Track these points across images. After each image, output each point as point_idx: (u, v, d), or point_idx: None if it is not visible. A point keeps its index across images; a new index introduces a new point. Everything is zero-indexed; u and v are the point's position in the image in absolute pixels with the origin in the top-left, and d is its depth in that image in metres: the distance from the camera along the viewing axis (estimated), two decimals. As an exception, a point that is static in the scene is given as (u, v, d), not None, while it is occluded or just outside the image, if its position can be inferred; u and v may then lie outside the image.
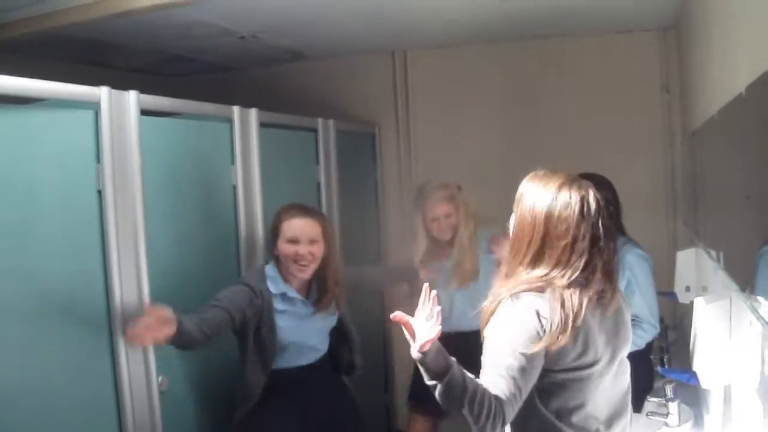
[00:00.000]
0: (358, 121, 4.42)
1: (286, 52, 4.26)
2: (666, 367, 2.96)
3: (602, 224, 1.77)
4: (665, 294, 3.16)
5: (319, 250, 2.70)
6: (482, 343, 1.77)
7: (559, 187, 1.78)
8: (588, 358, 1.73)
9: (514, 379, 1.66)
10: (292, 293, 2.72)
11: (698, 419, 2.52)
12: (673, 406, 2.45)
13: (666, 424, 2.45)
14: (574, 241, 1.74)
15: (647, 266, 2.82)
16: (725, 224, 2.05)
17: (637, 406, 2.50)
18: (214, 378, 2.86)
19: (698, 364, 1.92)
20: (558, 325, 1.67)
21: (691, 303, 2.02)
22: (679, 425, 2.45)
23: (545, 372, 1.73)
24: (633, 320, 2.74)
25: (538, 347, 1.67)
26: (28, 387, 2.07)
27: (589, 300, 1.74)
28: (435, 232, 3.32)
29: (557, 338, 1.67)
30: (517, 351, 1.67)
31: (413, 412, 3.55)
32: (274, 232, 2.72)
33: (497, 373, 1.67)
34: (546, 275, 1.75)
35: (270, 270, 2.74)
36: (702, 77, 2.72)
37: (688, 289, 3.13)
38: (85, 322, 2.29)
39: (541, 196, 1.79)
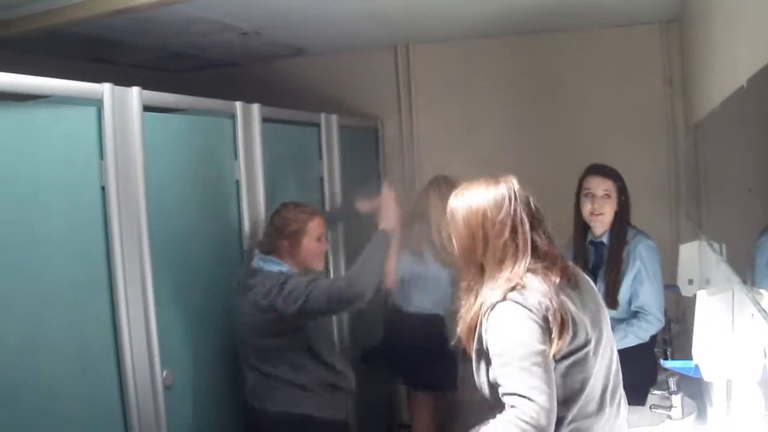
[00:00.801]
0: (361, 115, 4.42)
1: (288, 48, 4.26)
2: (669, 359, 2.96)
3: (532, 209, 1.85)
4: (668, 287, 3.16)
5: None
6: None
7: (484, 189, 1.85)
8: (580, 339, 1.76)
9: (541, 370, 1.66)
10: None
11: (701, 412, 2.52)
12: (676, 399, 2.45)
13: (669, 417, 2.45)
14: (515, 230, 1.80)
15: (657, 257, 2.83)
16: (728, 217, 2.06)
17: (641, 399, 2.51)
18: (219, 371, 2.87)
19: (701, 357, 1.92)
20: (556, 323, 1.71)
21: (694, 296, 2.01)
22: (683, 418, 2.45)
23: None
24: (638, 311, 2.75)
25: (548, 345, 1.70)
26: (33, 382, 2.08)
27: (559, 284, 1.79)
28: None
29: (561, 333, 1.71)
30: (531, 348, 1.68)
31: (413, 392, 3.66)
32: (296, 231, 2.74)
33: (525, 374, 1.66)
34: (507, 274, 1.79)
35: (282, 267, 2.72)
36: (704, 70, 2.71)
37: (691, 281, 3.13)
38: (89, 317, 2.29)
39: (470, 203, 1.85)
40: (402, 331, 3.62)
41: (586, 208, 2.83)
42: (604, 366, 1.83)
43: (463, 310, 1.85)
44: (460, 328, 1.85)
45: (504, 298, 1.75)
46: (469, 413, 1.82)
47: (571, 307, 1.76)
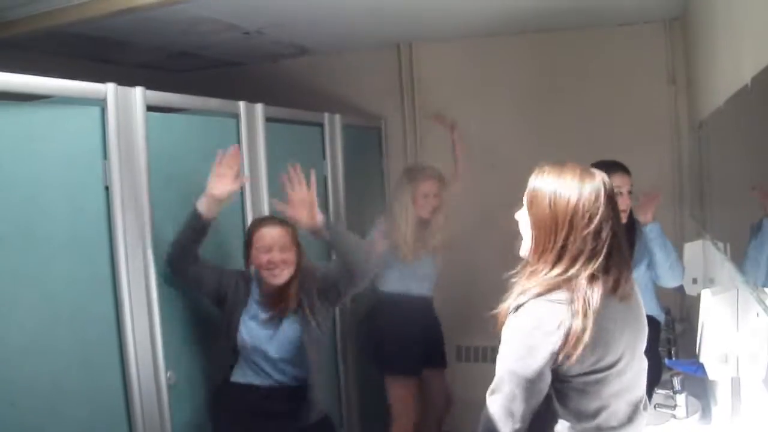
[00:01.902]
0: (364, 114, 4.42)
1: (291, 47, 4.26)
2: (673, 359, 2.96)
3: (617, 210, 1.77)
4: (672, 286, 3.16)
5: (291, 256, 2.69)
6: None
7: (579, 178, 1.74)
8: (607, 361, 1.69)
9: (522, 399, 1.67)
10: (257, 297, 2.75)
11: (706, 411, 2.52)
12: (680, 398, 2.45)
13: (674, 416, 2.45)
14: (600, 228, 1.70)
15: None
16: (732, 216, 2.05)
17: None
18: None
19: (705, 356, 1.92)
20: (576, 333, 1.62)
21: (699, 295, 2.01)
22: (687, 417, 2.45)
23: (562, 377, 1.69)
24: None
25: (553, 364, 1.66)
26: (37, 383, 2.09)
27: (607, 292, 1.70)
28: (420, 210, 3.54)
29: (573, 348, 1.63)
30: (522, 377, 1.66)
31: (392, 377, 3.63)
32: (247, 244, 2.72)
33: (504, 401, 1.69)
34: (567, 270, 1.69)
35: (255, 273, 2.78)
36: (708, 68, 2.71)
37: (695, 281, 3.13)
38: (93, 318, 2.30)
39: (561, 189, 1.74)
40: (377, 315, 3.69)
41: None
42: (633, 383, 1.76)
43: (511, 299, 1.76)
44: (501, 309, 1.76)
45: (528, 304, 1.69)
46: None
47: (611, 325, 1.69)
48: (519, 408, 1.68)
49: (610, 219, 1.72)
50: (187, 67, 4.57)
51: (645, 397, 1.83)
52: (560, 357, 1.64)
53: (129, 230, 2.39)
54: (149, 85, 2.51)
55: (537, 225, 1.77)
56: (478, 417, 1.76)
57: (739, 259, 1.87)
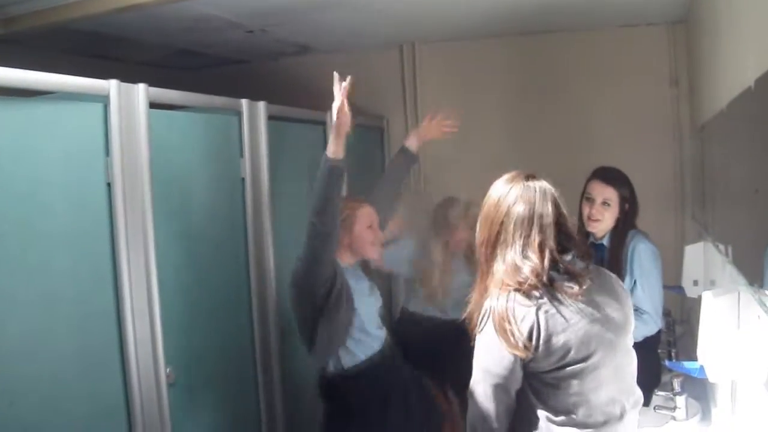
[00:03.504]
0: (367, 114, 4.41)
1: (293, 46, 4.27)
2: (673, 360, 2.96)
3: (550, 210, 1.84)
4: (673, 288, 3.15)
5: None
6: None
7: (507, 181, 1.90)
8: (578, 355, 1.75)
9: (496, 397, 1.76)
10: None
11: (706, 413, 2.52)
12: (680, 400, 2.44)
13: (673, 418, 2.45)
14: (526, 225, 1.81)
15: (654, 258, 2.81)
16: (734, 218, 2.05)
17: (645, 400, 2.50)
18: (222, 369, 2.87)
19: (706, 358, 1.92)
20: (531, 338, 1.73)
21: (699, 297, 2.01)
22: (687, 419, 2.45)
23: (533, 374, 1.76)
24: (635, 310, 2.74)
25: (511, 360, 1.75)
26: (37, 379, 2.09)
27: (564, 289, 1.78)
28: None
29: (525, 350, 1.73)
30: (494, 374, 1.76)
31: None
32: (345, 219, 2.73)
33: (480, 399, 1.78)
34: (510, 270, 1.79)
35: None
36: (711, 71, 2.71)
37: (696, 283, 3.12)
38: (93, 314, 2.30)
39: (491, 194, 1.90)
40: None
41: (585, 211, 2.85)
42: (616, 379, 1.81)
43: (471, 304, 1.89)
44: (470, 311, 1.89)
45: (489, 308, 1.79)
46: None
47: (575, 320, 1.76)
48: (493, 408, 1.76)
49: (538, 218, 1.82)
50: (190, 64, 4.58)
51: (638, 394, 1.88)
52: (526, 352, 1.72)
53: (130, 227, 2.39)
54: (152, 83, 2.51)
55: (477, 230, 1.92)
56: None
57: (741, 261, 1.87)
